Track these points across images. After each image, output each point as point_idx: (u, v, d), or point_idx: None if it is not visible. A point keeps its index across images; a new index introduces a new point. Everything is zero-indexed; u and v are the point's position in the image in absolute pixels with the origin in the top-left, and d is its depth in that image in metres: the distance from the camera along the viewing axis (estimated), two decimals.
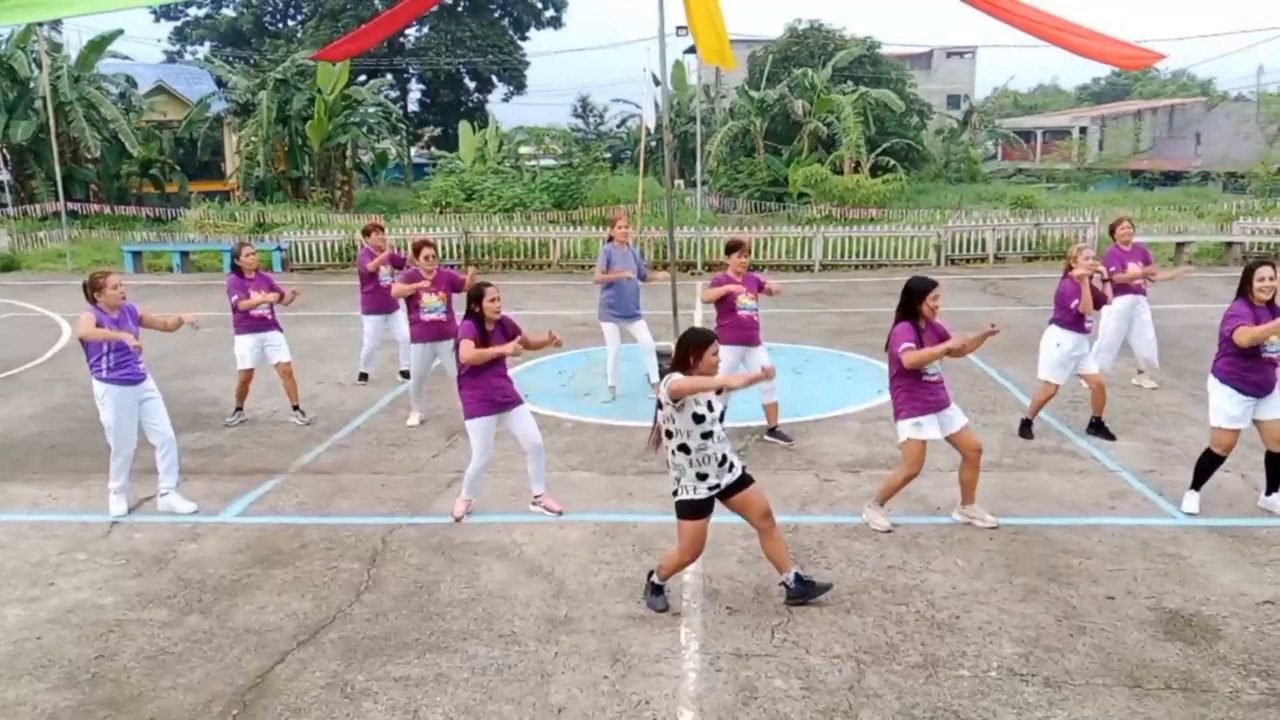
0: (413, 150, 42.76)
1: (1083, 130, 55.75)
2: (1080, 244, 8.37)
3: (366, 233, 10.09)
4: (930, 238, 19.67)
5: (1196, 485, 6.24)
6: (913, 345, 5.68)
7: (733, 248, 7.82)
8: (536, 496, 6.35)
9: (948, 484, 6.48)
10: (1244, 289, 5.96)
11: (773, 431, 7.83)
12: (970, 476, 5.95)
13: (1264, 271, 5.86)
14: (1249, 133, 39.33)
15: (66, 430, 8.48)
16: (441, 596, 5.18)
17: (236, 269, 8.41)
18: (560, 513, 6.24)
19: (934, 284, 5.77)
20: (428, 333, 8.06)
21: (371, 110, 30.62)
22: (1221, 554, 5.60)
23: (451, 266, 9.54)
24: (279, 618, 4.96)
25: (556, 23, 48.69)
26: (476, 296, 5.99)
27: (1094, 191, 37.83)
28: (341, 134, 28.25)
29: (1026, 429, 7.88)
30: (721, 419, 4.77)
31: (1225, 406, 6.03)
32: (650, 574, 5.06)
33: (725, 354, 6.67)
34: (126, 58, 35.03)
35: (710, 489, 4.74)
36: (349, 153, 30.05)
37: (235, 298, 8.26)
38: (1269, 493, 6.20)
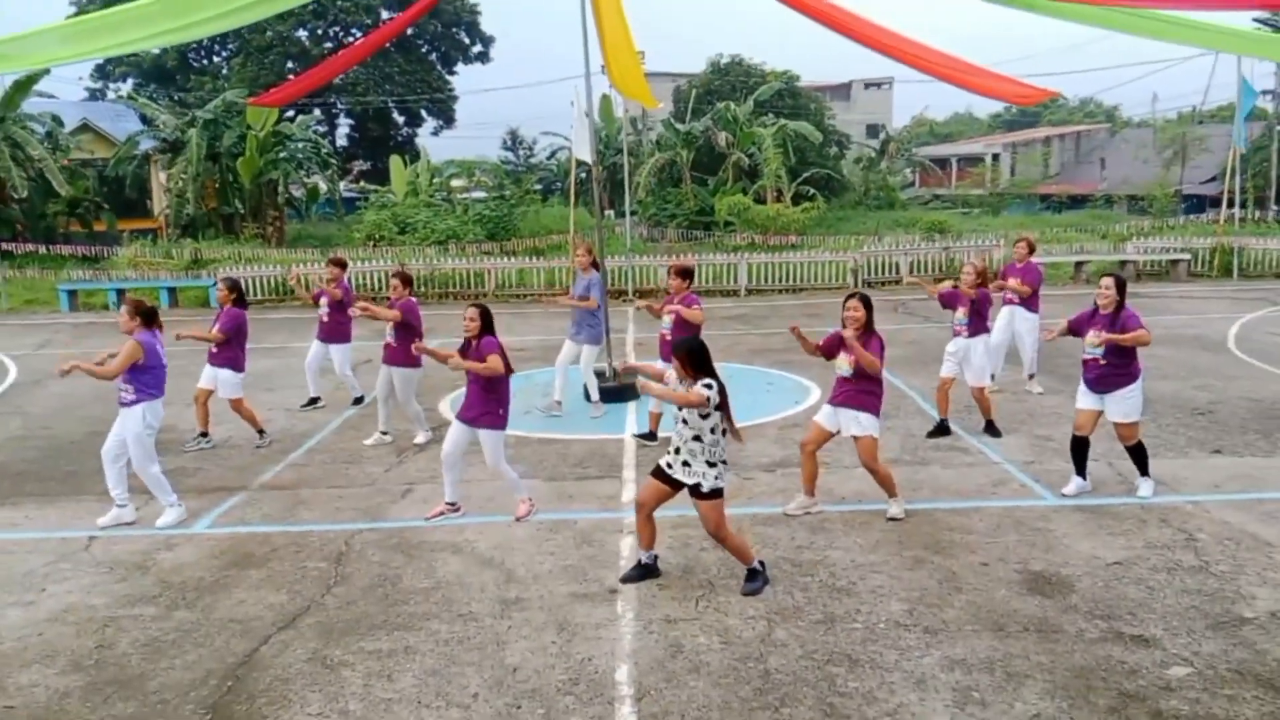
0: (343, 185, 42.99)
1: (995, 157, 58.16)
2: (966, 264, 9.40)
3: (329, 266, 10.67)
4: (847, 262, 20.81)
5: (1077, 470, 7.17)
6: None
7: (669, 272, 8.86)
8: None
9: (852, 478, 7.33)
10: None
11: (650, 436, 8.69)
12: (875, 480, 6.77)
13: (1105, 282, 6.87)
14: (1147, 157, 41.72)
15: (29, 459, 8.87)
16: (404, 586, 5.81)
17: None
18: (519, 519, 6.88)
19: (851, 295, 6.64)
20: (385, 357, 8.78)
21: (301, 146, 30.93)
22: (1083, 527, 6.51)
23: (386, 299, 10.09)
24: (258, 609, 5.54)
25: (484, 58, 49.43)
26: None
27: (1006, 215, 39.68)
28: (272, 170, 28.54)
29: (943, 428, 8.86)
30: (685, 424, 5.49)
31: (1080, 393, 7.13)
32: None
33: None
34: (51, 96, 34.80)
35: (666, 464, 5.58)
36: (280, 188, 30.31)
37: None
38: (1140, 474, 7.12)
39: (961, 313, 8.70)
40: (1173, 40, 8.24)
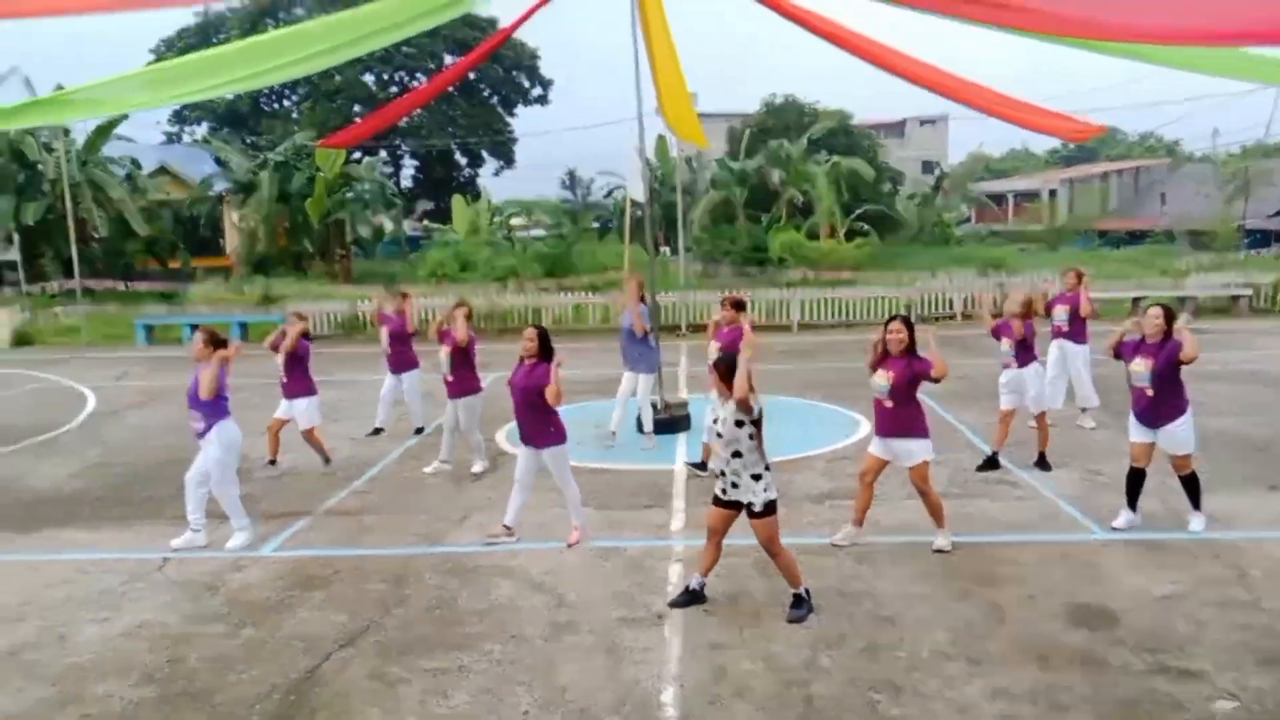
0: (407, 224, 44.12)
1: (1052, 193, 57.50)
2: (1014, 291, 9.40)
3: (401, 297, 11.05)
4: (901, 298, 20.80)
5: (1129, 504, 7.16)
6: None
7: (722, 304, 9.01)
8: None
9: (899, 510, 7.40)
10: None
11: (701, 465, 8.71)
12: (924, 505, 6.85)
13: (1154, 311, 6.88)
14: (1209, 192, 41.01)
15: (108, 485, 9.31)
16: (460, 608, 6.03)
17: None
18: (571, 545, 7.08)
19: (892, 318, 6.76)
20: (448, 390, 9.04)
21: (368, 187, 31.92)
22: (1132, 562, 6.50)
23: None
24: (321, 628, 5.80)
25: (543, 100, 50.49)
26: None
27: (1064, 251, 39.24)
28: (340, 210, 29.51)
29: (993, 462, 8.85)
30: (719, 438, 5.68)
31: (1130, 425, 7.12)
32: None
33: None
34: (130, 140, 36.35)
35: (721, 490, 5.78)
36: (347, 228, 31.26)
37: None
38: (1192, 509, 7.09)
39: (1008, 344, 8.74)
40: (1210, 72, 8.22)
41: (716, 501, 5.84)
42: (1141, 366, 6.85)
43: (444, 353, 8.95)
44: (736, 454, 5.62)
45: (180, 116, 50.47)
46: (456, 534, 7.48)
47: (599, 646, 5.43)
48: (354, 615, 5.97)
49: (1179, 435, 6.86)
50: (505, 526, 7.21)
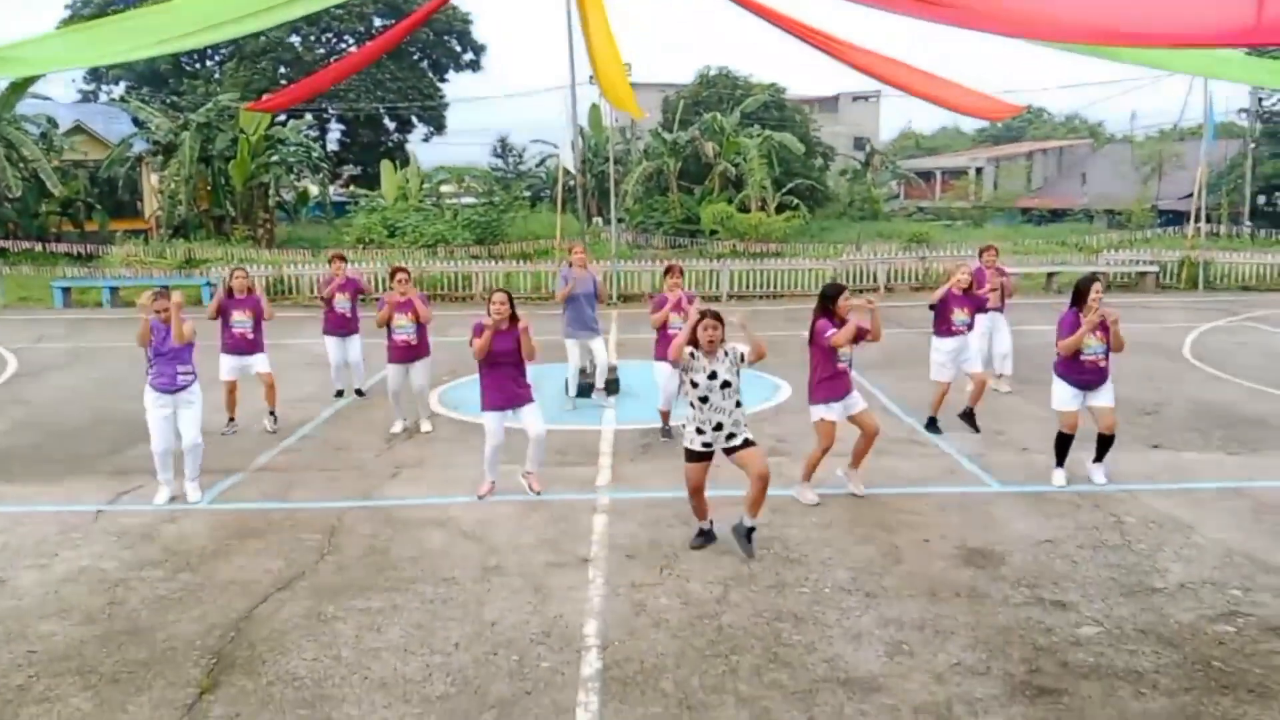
0: (333, 189, 43.44)
1: (979, 170, 59.00)
2: (960, 269, 9.80)
3: (330, 261, 11.25)
4: (827, 270, 21.39)
5: (1059, 463, 7.68)
6: (835, 332, 7.08)
7: (666, 272, 9.34)
8: (526, 473, 7.55)
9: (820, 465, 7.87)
10: (1076, 301, 7.45)
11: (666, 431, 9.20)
12: (863, 447, 7.34)
13: (1097, 286, 7.37)
14: (1126, 173, 42.57)
15: (35, 444, 9.30)
16: (392, 555, 6.31)
17: (229, 291, 9.53)
18: (539, 493, 7.39)
19: (843, 288, 7.21)
20: (400, 354, 9.23)
21: (293, 150, 31.38)
22: (1021, 510, 7.06)
23: (376, 299, 10.77)
24: (257, 574, 6.02)
25: (475, 66, 50.01)
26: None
27: (988, 228, 40.44)
28: (264, 173, 29.00)
29: (932, 425, 9.31)
30: (726, 389, 6.05)
31: (1060, 395, 7.59)
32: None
33: (661, 369, 8.81)
34: (45, 98, 35.14)
35: (704, 445, 6.07)
36: (271, 191, 30.73)
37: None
38: (1094, 461, 7.67)
39: (966, 313, 9.18)
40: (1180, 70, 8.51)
41: (697, 456, 6.16)
42: (1095, 341, 7.35)
43: (407, 317, 9.15)
44: (738, 403, 6.11)
45: (97, 75, 48.81)
46: (388, 488, 7.73)
47: (526, 587, 5.77)
48: (289, 562, 6.21)
49: (1112, 389, 7.49)
50: (492, 482, 7.51)
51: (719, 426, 6.09)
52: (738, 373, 6.11)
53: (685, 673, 4.74)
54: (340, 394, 11.06)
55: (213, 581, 5.91)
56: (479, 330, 7.15)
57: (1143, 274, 21.87)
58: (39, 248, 25.67)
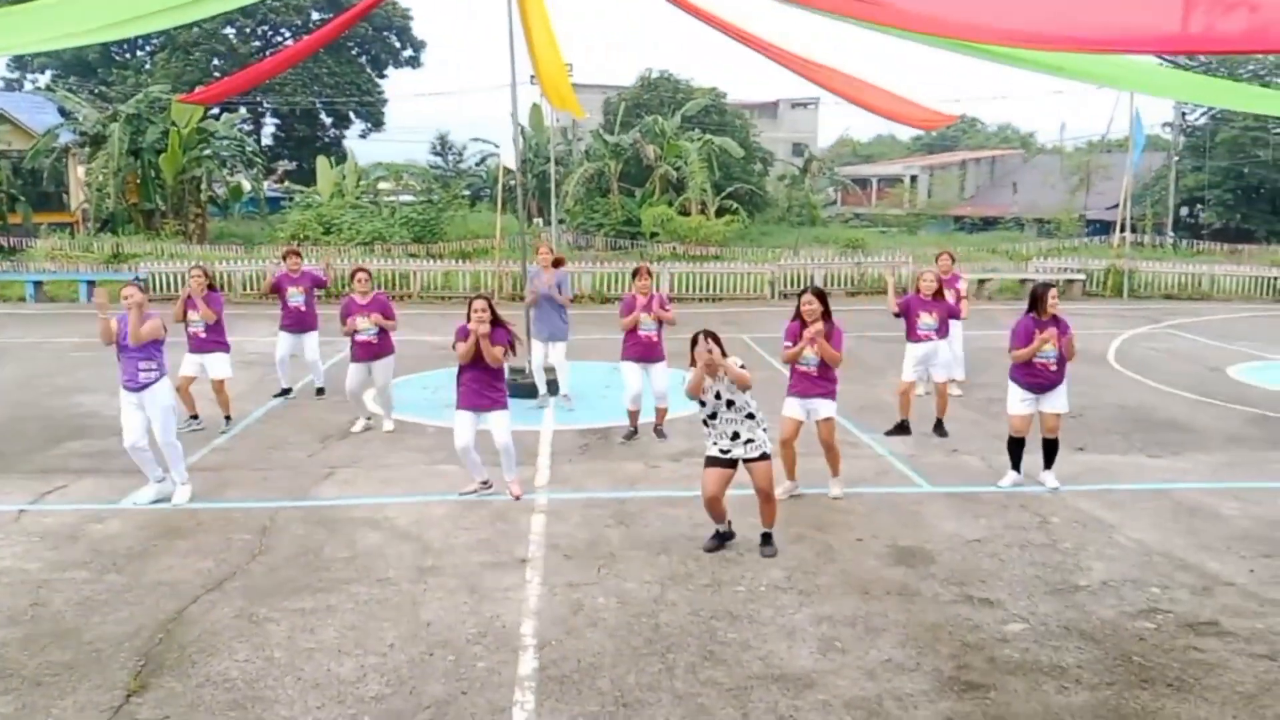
0: (267, 184, 42.59)
1: (913, 178, 60.13)
2: (924, 273, 9.93)
3: (284, 257, 11.10)
4: (765, 274, 21.63)
5: (1014, 466, 7.86)
6: (789, 344, 7.28)
7: (635, 274, 9.41)
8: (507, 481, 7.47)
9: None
10: (1034, 306, 7.66)
11: (658, 430, 9.29)
12: (827, 458, 7.44)
13: (1054, 292, 7.60)
14: (1055, 183, 43.77)
15: None
16: (326, 556, 6.22)
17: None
18: (518, 497, 7.32)
19: (809, 290, 7.26)
20: (363, 353, 9.11)
21: (225, 143, 30.72)
22: (951, 510, 7.22)
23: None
24: (187, 574, 5.90)
25: (415, 62, 49.50)
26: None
27: (922, 235, 41.27)
28: (195, 167, 28.34)
29: (901, 428, 9.39)
30: (731, 407, 6.12)
31: (1011, 399, 7.80)
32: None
33: (629, 369, 8.91)
34: None
35: (722, 451, 6.16)
36: (203, 186, 30.03)
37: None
38: (1045, 468, 7.85)
39: (934, 318, 9.29)
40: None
41: (716, 463, 6.18)
42: (1050, 346, 7.54)
43: (371, 319, 9.07)
44: (750, 415, 6.15)
45: (21, 62, 47.25)
46: (321, 489, 7.62)
47: (462, 587, 5.74)
48: (220, 562, 6.09)
49: (1063, 395, 7.70)
50: (481, 483, 7.45)
51: (736, 435, 6.18)
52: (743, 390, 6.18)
53: (621, 671, 4.77)
54: (286, 392, 10.82)
55: (140, 582, 5.77)
56: (463, 334, 7.09)
57: (1070, 282, 22.48)
58: None
